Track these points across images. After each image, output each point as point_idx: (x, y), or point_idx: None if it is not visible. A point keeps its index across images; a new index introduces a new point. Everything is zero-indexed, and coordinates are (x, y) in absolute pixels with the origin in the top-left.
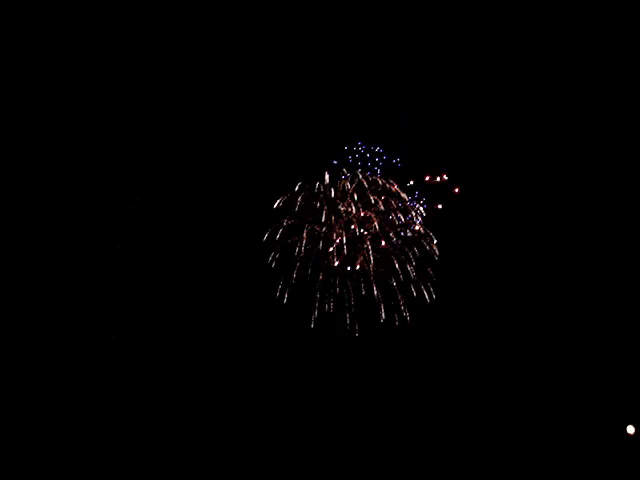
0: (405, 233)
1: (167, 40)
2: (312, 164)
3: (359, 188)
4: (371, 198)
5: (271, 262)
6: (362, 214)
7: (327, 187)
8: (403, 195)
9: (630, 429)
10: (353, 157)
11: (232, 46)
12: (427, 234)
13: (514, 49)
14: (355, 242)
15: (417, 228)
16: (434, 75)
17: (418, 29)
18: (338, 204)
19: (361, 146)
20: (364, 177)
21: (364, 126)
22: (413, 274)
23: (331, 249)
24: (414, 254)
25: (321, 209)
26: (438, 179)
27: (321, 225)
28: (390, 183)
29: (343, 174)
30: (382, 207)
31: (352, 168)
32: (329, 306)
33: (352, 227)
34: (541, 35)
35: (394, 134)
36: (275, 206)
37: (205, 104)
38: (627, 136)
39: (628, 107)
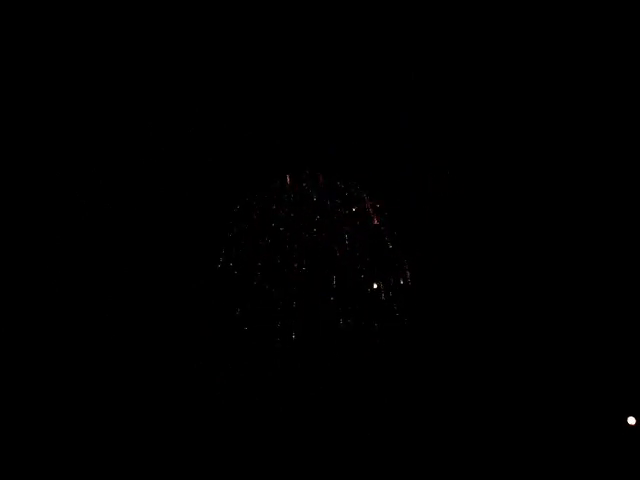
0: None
1: (167, 40)
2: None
3: (327, 195)
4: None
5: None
6: (323, 224)
7: (287, 191)
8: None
9: (631, 420)
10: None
11: (230, 47)
12: (397, 258)
13: (515, 49)
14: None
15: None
16: (434, 75)
17: (418, 29)
18: (298, 212)
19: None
20: (325, 180)
21: (362, 127)
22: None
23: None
24: (383, 277)
25: (280, 217)
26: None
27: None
28: (354, 186)
29: (306, 176)
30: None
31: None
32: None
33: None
34: (542, 35)
35: (394, 134)
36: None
37: (205, 104)
38: (628, 137)
39: (628, 107)
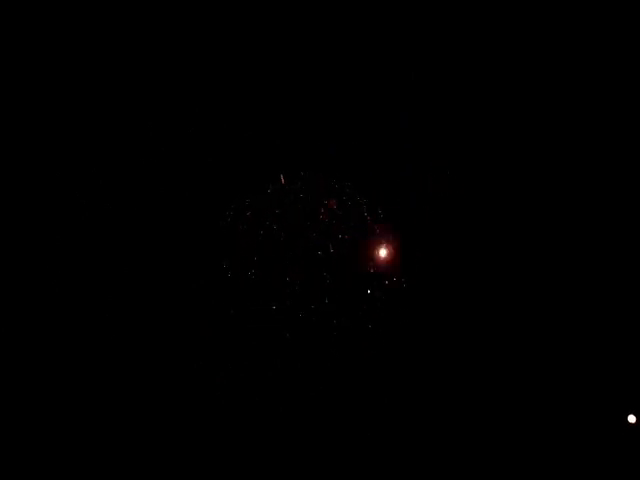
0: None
1: (167, 40)
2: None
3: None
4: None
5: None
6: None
7: (280, 192)
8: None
9: (631, 418)
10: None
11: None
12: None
13: (515, 49)
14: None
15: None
16: (434, 75)
17: (417, 29)
18: (294, 212)
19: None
20: (318, 182)
21: (362, 127)
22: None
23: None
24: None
25: (278, 217)
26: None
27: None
28: (348, 188)
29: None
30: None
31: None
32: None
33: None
34: (542, 35)
35: (394, 134)
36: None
37: (206, 104)
38: (628, 138)
39: (628, 107)
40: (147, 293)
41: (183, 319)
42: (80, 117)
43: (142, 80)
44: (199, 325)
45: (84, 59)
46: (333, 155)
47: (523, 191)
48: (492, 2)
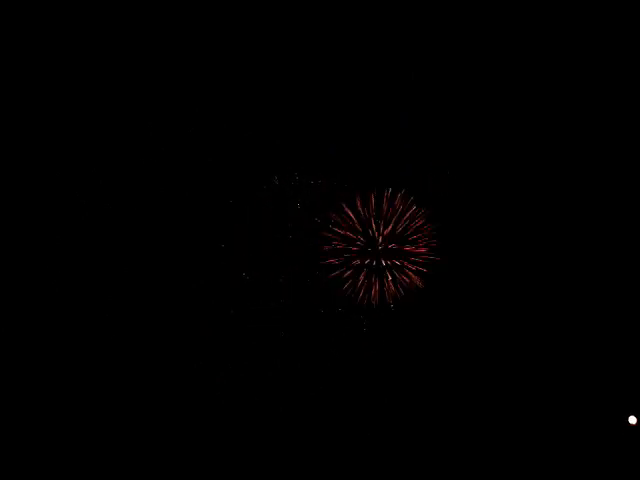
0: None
1: (167, 42)
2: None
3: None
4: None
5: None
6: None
7: (274, 195)
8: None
9: (632, 419)
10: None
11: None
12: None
13: (514, 50)
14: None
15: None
16: (434, 75)
17: (418, 30)
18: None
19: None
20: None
21: (362, 127)
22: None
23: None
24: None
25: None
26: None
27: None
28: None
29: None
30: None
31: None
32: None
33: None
34: (541, 36)
35: (394, 134)
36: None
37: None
38: (627, 138)
39: (628, 108)
40: (147, 293)
41: (183, 319)
42: (80, 118)
43: (142, 81)
44: (199, 325)
45: (85, 61)
46: (333, 155)
47: (522, 190)
48: (492, 3)
